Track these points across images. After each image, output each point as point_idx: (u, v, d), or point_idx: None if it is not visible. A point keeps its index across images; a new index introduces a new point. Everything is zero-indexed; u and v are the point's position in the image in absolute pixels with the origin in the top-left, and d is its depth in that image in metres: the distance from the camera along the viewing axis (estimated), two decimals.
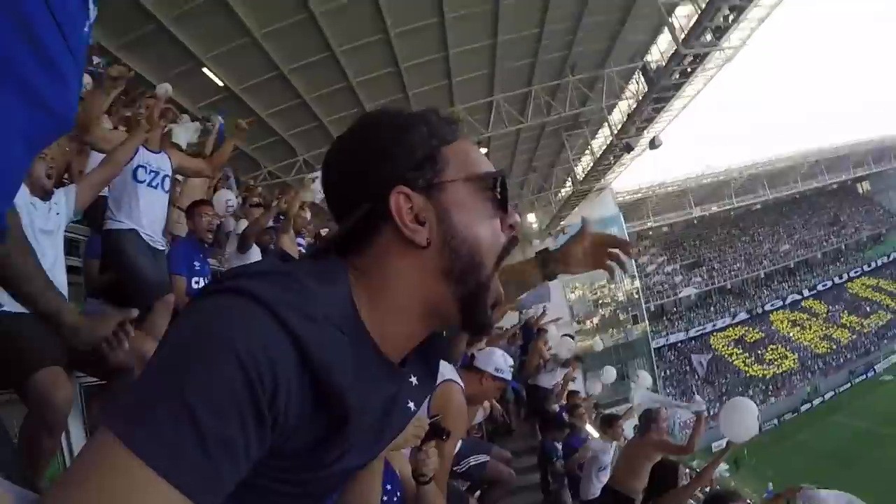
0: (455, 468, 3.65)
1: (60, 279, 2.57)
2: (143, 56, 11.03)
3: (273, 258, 0.79)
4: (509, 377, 3.27)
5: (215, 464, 0.60)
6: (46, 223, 2.60)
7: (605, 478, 5.85)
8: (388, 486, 2.14)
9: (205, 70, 12.12)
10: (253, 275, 0.69)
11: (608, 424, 6.41)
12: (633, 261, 39.27)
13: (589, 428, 7.96)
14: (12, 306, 2.29)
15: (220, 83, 12.48)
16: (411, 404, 0.87)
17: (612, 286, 38.03)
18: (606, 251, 1.56)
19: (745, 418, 4.42)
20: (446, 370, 2.78)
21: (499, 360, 3.24)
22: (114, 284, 3.69)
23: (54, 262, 2.56)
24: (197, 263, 4.24)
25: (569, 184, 27.29)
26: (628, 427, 6.66)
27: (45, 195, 2.66)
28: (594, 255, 1.57)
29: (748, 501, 4.23)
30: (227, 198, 5.76)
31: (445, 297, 0.79)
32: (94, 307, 3.76)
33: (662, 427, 5.35)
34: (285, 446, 0.68)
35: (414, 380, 0.88)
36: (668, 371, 41.42)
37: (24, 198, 2.51)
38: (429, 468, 2.12)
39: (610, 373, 10.88)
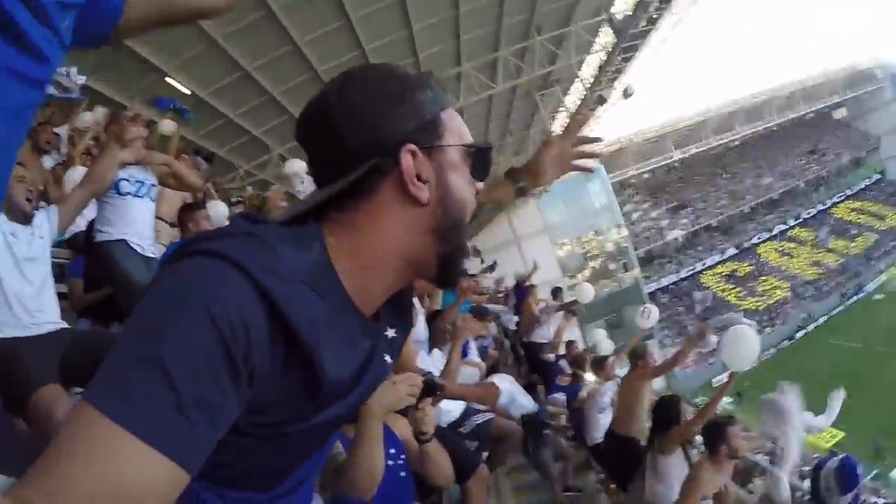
0: (461, 429, 3.77)
1: (50, 304, 2.60)
2: (107, 75, 10.90)
3: (240, 220, 0.78)
4: None
5: (194, 424, 0.62)
6: (30, 250, 2.57)
7: (607, 420, 5.94)
8: (392, 451, 2.19)
9: (169, 80, 11.97)
10: (220, 236, 0.71)
11: (599, 366, 6.54)
12: (619, 207, 39.44)
13: (590, 377, 8.11)
14: (11, 330, 2.38)
15: (187, 91, 12.32)
16: (388, 357, 0.89)
17: (601, 238, 38.12)
18: (572, 153, 1.56)
19: (745, 346, 4.46)
20: None
21: None
22: (101, 302, 3.68)
23: (41, 288, 2.56)
24: None
25: None
26: (622, 372, 6.83)
27: (26, 220, 2.63)
28: (561, 161, 1.56)
29: (745, 427, 4.34)
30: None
31: (428, 253, 0.83)
32: (84, 326, 3.78)
33: (648, 361, 5.60)
34: (262, 401, 0.70)
35: (391, 332, 0.92)
36: (663, 314, 41.71)
37: (4, 228, 2.49)
38: (428, 426, 2.15)
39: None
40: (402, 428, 2.31)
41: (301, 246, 0.74)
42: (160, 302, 0.66)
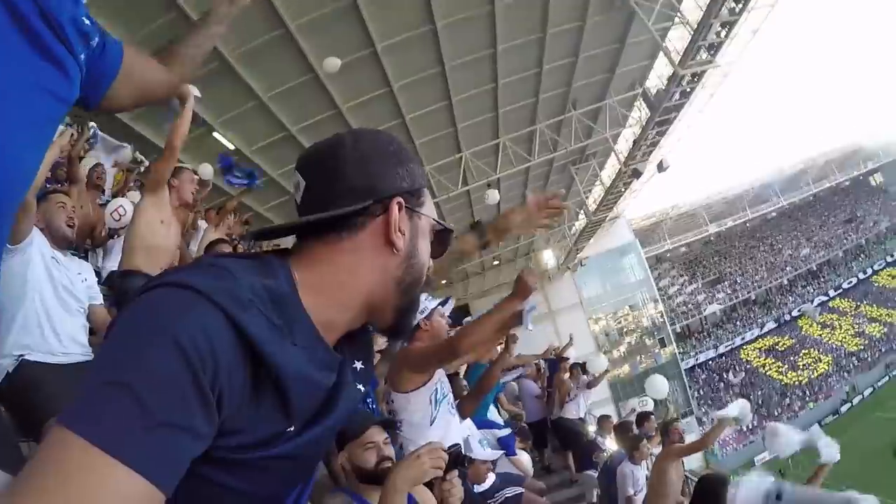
0: (489, 502, 3.68)
1: (81, 335, 2.70)
2: (155, 123, 11.29)
3: (206, 257, 0.85)
4: (433, 304, 3.07)
5: (164, 443, 0.64)
6: (70, 282, 2.68)
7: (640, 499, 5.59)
8: None
9: (215, 135, 12.37)
10: (184, 269, 0.77)
11: (623, 432, 6.47)
12: (655, 282, 38.86)
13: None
14: (39, 355, 2.47)
15: (232, 146, 12.68)
16: (360, 386, 0.96)
17: (636, 312, 37.54)
18: (541, 211, 1.98)
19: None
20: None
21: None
22: None
23: (75, 317, 2.68)
24: None
25: (582, 216, 27.11)
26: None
27: (68, 245, 2.78)
28: (531, 217, 1.97)
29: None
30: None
31: (388, 300, 0.92)
32: None
33: (674, 438, 5.47)
34: (237, 423, 0.72)
35: (358, 364, 0.98)
36: (701, 391, 40.61)
37: (45, 251, 2.60)
38: (455, 498, 2.03)
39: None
40: (428, 499, 2.20)
41: (264, 272, 0.80)
42: (129, 331, 0.69)
